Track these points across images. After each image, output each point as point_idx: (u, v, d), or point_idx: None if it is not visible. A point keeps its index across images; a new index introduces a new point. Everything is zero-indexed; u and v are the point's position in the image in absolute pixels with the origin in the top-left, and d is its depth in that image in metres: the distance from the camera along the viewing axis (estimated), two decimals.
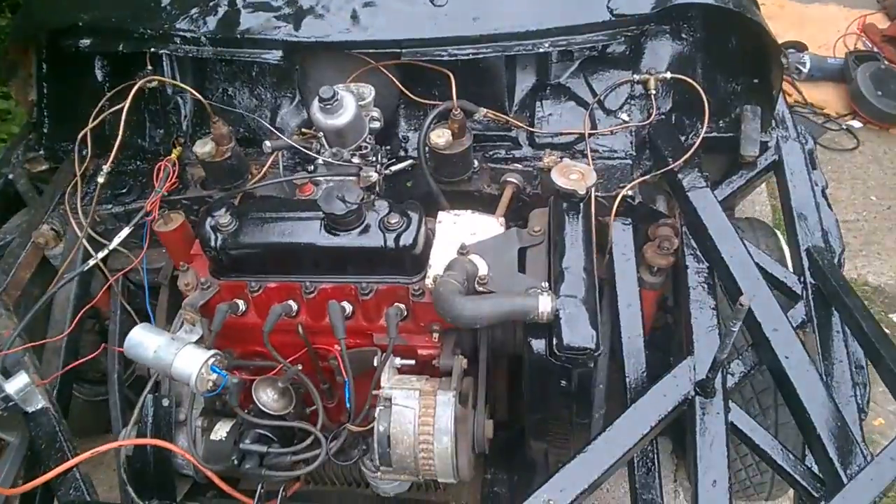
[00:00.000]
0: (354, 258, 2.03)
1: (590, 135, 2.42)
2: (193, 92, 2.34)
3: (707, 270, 2.15)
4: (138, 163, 2.71)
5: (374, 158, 2.34)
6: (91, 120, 2.63)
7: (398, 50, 2.30)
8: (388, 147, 2.48)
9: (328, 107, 2.16)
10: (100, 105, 2.65)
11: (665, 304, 2.50)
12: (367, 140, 2.33)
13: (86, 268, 2.35)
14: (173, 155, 2.56)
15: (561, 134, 2.46)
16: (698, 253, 2.19)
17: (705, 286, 2.12)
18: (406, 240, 1.96)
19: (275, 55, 2.33)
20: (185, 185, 2.59)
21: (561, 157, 2.26)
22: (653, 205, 2.35)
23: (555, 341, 1.78)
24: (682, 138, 2.45)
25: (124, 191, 2.57)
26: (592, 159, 2.45)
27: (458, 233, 2.07)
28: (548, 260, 1.99)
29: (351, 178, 2.17)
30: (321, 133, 2.25)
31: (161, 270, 2.60)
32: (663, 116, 2.46)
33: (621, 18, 2.26)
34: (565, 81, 2.50)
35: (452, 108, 2.27)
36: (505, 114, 2.51)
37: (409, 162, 2.48)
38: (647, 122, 2.42)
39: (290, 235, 2.01)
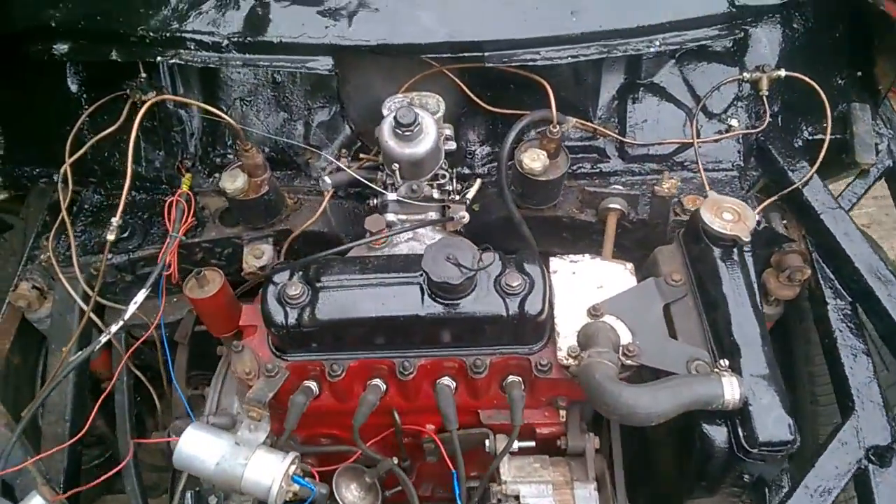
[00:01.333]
0: (465, 330, 1.63)
1: (694, 144, 2.06)
2: (218, 113, 1.83)
3: (850, 308, 1.87)
4: (133, 194, 2.18)
5: (451, 187, 1.92)
6: (70, 141, 2.09)
7: (479, 53, 1.85)
8: (457, 168, 2.05)
9: (406, 133, 1.72)
10: (79, 123, 2.11)
11: None
12: (443, 166, 1.91)
13: (95, 347, 1.85)
14: (184, 186, 2.06)
15: (658, 144, 2.09)
16: (838, 286, 1.90)
17: (852, 327, 1.84)
18: (533, 307, 1.58)
19: (324, 63, 1.85)
20: (200, 223, 2.10)
21: (676, 179, 1.90)
22: (769, 224, 2.04)
23: (742, 432, 1.46)
24: None
25: (125, 235, 2.05)
26: (694, 171, 2.10)
27: (581, 285, 1.70)
28: (699, 319, 1.65)
29: (444, 223, 1.75)
30: (395, 165, 1.80)
31: (179, 326, 2.14)
32: (770, 120, 2.12)
33: (745, 9, 1.88)
34: (660, 80, 2.12)
35: (551, 124, 1.86)
36: (588, 120, 2.12)
37: (480, 183, 2.07)
38: (760, 128, 2.07)
39: (384, 307, 1.59)
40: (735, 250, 1.67)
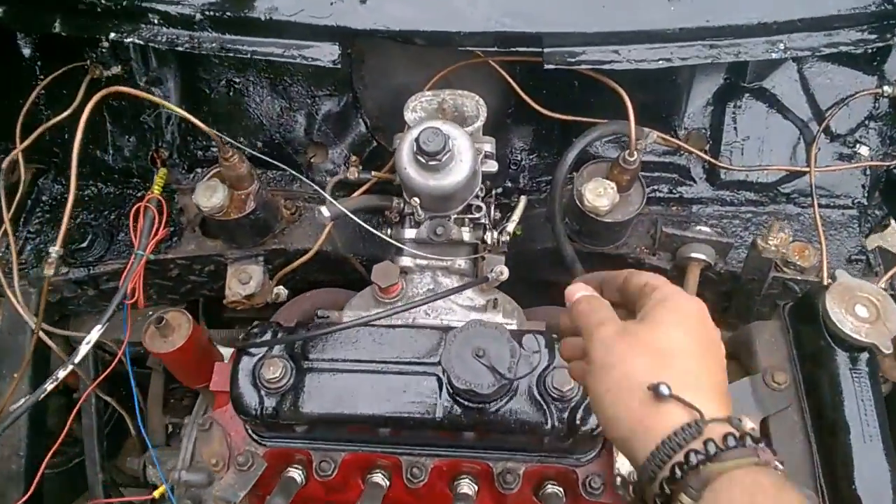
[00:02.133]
0: (493, 436, 1.24)
1: (811, 172, 1.58)
2: (187, 116, 1.40)
3: None
4: (100, 186, 1.79)
5: (487, 221, 1.48)
6: (21, 121, 1.68)
7: (537, 49, 1.38)
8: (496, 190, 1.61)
9: (432, 163, 1.27)
10: (31, 99, 1.69)
11: None
12: (479, 194, 1.46)
13: (48, 389, 1.49)
14: (155, 187, 1.64)
15: (760, 168, 1.62)
16: None
17: None
18: (587, 419, 1.17)
19: (327, 53, 1.38)
20: (177, 231, 1.70)
21: (788, 231, 1.43)
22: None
23: None
24: None
25: (83, 244, 1.66)
26: (802, 207, 1.63)
27: None
28: (807, 444, 1.23)
29: (477, 284, 1.31)
30: (415, 200, 1.37)
31: None
32: None
33: None
34: (772, 86, 1.62)
35: (626, 151, 1.40)
36: (671, 131, 1.65)
37: (526, 201, 1.63)
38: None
39: (390, 404, 1.19)
40: (866, 358, 1.22)
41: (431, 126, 1.26)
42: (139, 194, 1.75)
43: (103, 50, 1.64)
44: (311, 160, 1.73)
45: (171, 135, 1.74)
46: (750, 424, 0.65)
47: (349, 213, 1.38)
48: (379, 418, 1.19)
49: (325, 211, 1.36)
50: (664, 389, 0.66)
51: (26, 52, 1.72)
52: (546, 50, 1.37)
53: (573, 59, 1.37)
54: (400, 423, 1.20)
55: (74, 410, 1.72)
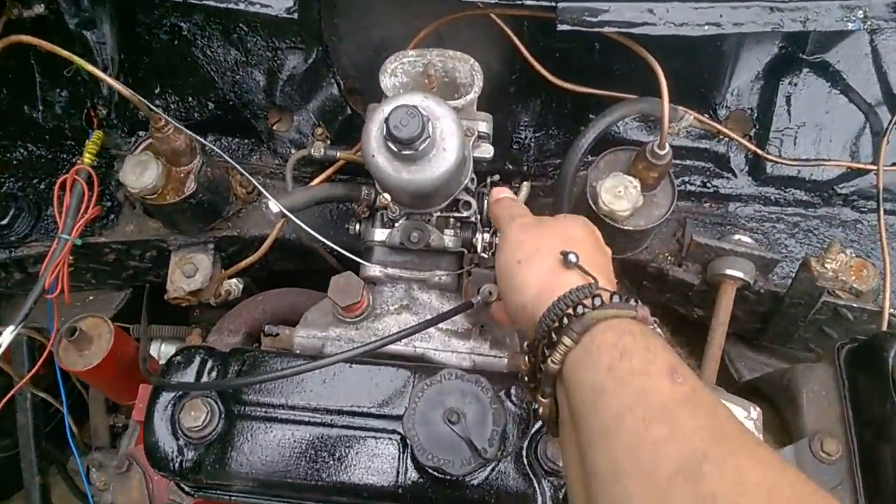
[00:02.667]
0: None
1: (879, 170, 1.29)
2: (102, 76, 1.11)
3: None
4: (29, 148, 1.51)
5: (476, 219, 1.20)
6: None
7: (551, 3, 1.07)
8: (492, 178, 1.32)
9: (407, 153, 0.99)
10: None
11: None
12: (469, 185, 1.18)
13: None
14: (87, 155, 1.36)
15: (816, 163, 1.32)
16: None
17: None
18: None
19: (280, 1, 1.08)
20: (114, 207, 1.43)
21: (849, 253, 1.15)
22: None
23: None
24: None
25: (4, 221, 1.40)
26: (863, 212, 1.35)
27: None
28: None
29: (462, 311, 1.04)
30: (385, 196, 1.09)
31: None
32: None
33: None
34: (837, 60, 1.31)
35: (657, 142, 1.11)
36: (710, 111, 1.35)
37: (529, 188, 1.35)
38: None
39: (341, 468, 0.94)
40: None
41: (405, 104, 0.97)
42: (74, 159, 1.48)
43: None
44: (273, 127, 1.44)
45: (110, 90, 1.45)
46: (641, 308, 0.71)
47: (289, 216, 1.09)
48: (325, 486, 0.95)
49: (272, 206, 1.08)
50: (573, 257, 0.76)
51: None
52: (560, 4, 1.07)
53: (594, 20, 1.07)
54: (351, 493, 0.95)
55: (0, 405, 1.49)
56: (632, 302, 0.70)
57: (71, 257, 1.41)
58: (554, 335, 0.70)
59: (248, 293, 1.47)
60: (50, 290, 1.31)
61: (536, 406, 0.75)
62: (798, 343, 1.36)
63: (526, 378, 0.78)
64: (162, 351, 1.56)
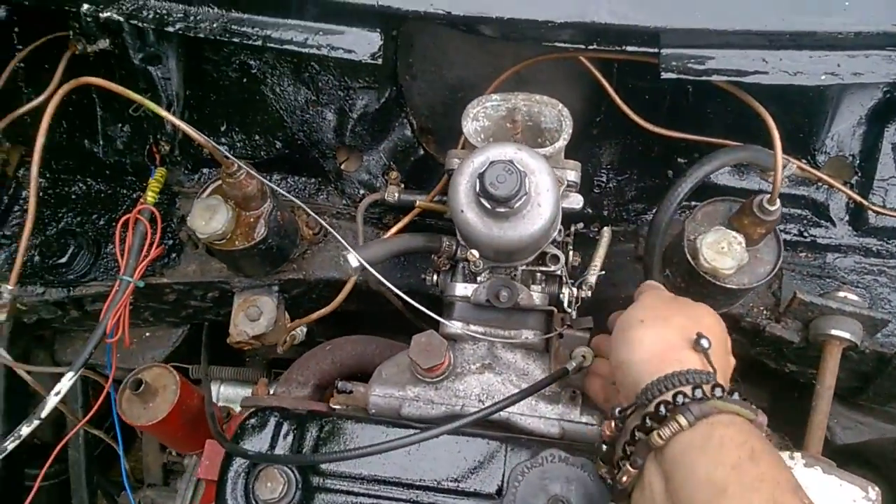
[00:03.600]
0: None
1: None
2: (165, 114, 1.06)
3: None
4: (88, 183, 1.47)
5: (564, 273, 1.13)
6: None
7: (652, 50, 1.00)
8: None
9: (501, 210, 0.92)
10: (5, 74, 1.38)
11: None
12: (557, 238, 1.11)
13: (10, 448, 1.21)
14: (149, 193, 1.32)
15: None
16: None
17: None
18: None
19: (364, 43, 1.02)
20: (176, 246, 1.39)
21: None
22: None
23: None
24: None
25: (63, 259, 1.36)
26: None
27: None
28: None
29: (554, 380, 0.96)
30: (474, 252, 1.02)
31: None
32: None
33: None
34: None
35: (767, 197, 1.03)
36: (809, 156, 1.27)
37: (610, 234, 1.27)
38: None
39: None
40: None
41: (502, 161, 0.90)
42: (134, 195, 1.45)
43: (88, 19, 1.30)
44: (342, 168, 1.38)
45: (174, 126, 1.41)
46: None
47: (370, 270, 1.03)
48: None
49: (351, 260, 1.02)
50: (705, 343, 0.71)
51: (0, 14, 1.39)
52: (664, 51, 0.99)
53: (701, 67, 1.00)
54: None
55: (58, 448, 1.45)
56: (753, 406, 0.68)
57: (131, 297, 1.37)
58: (663, 409, 0.67)
59: (309, 335, 1.42)
60: (110, 333, 1.27)
61: (611, 472, 0.73)
62: None
63: (606, 444, 0.75)
64: (221, 393, 1.51)
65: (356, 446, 0.92)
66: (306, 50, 1.03)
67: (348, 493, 0.91)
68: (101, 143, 1.45)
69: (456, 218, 0.98)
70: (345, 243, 1.01)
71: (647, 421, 0.68)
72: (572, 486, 0.80)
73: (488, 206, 0.92)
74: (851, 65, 0.98)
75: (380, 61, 1.02)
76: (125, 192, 1.46)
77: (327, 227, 1.05)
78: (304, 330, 1.39)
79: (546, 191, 0.96)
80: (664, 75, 0.99)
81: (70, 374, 1.21)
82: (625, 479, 0.71)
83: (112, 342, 1.26)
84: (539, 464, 0.82)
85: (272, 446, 0.95)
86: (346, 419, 0.96)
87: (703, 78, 0.99)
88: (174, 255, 1.39)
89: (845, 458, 1.27)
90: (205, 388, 1.24)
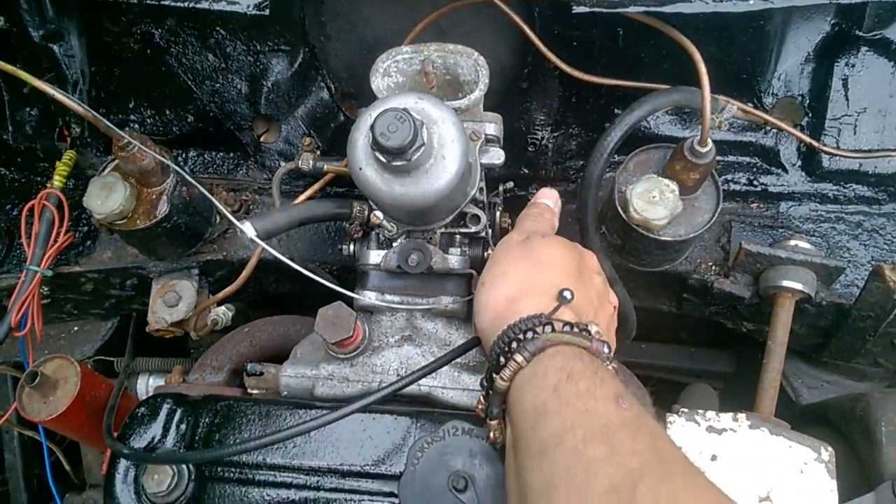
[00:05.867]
0: None
1: None
2: (53, 91, 0.97)
3: None
4: (1, 171, 1.39)
5: (488, 233, 1.04)
6: None
7: None
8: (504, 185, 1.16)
9: (398, 164, 0.84)
10: None
11: None
12: (478, 195, 1.02)
13: None
14: (56, 178, 1.23)
15: (881, 154, 1.14)
16: None
17: None
18: None
19: None
20: (91, 233, 1.31)
21: None
22: None
23: None
24: None
25: None
26: None
27: (731, 488, 0.85)
28: None
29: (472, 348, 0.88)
30: (377, 214, 0.94)
31: None
32: None
33: None
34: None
35: (698, 139, 0.94)
36: (755, 99, 1.18)
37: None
38: None
39: None
40: None
41: (394, 108, 0.81)
42: (48, 182, 1.36)
43: None
44: (261, 139, 1.29)
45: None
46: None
47: (260, 244, 0.94)
48: None
49: (247, 229, 0.93)
50: (567, 294, 0.72)
51: None
52: None
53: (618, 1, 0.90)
54: None
55: None
56: (592, 331, 0.71)
57: (46, 289, 1.29)
58: (503, 359, 0.69)
59: (244, 320, 1.33)
60: (21, 326, 1.19)
61: (489, 433, 0.73)
62: (865, 358, 1.18)
63: (481, 407, 0.75)
64: (150, 385, 1.42)
65: (253, 433, 0.84)
66: (186, 3, 0.94)
67: (245, 482, 0.82)
68: (9, 128, 1.36)
69: (356, 177, 0.90)
70: (231, 218, 0.91)
71: (492, 373, 0.70)
72: (476, 461, 0.72)
73: (383, 159, 0.83)
74: None
75: (267, 11, 0.93)
76: (38, 179, 1.39)
77: (213, 199, 0.95)
78: (230, 315, 1.31)
79: (451, 142, 0.87)
80: (576, 9, 0.90)
81: None
82: (492, 435, 0.71)
83: (23, 334, 1.18)
84: (440, 437, 0.74)
85: (164, 436, 0.86)
86: (243, 402, 0.88)
87: (619, 10, 0.90)
88: (89, 242, 1.31)
89: (809, 420, 1.19)
90: (117, 384, 1.15)
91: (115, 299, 1.37)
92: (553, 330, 0.69)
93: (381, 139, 0.80)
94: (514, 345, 0.69)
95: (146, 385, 1.40)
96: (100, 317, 1.44)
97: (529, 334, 0.69)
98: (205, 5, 0.93)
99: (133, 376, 1.41)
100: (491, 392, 0.71)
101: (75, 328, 1.47)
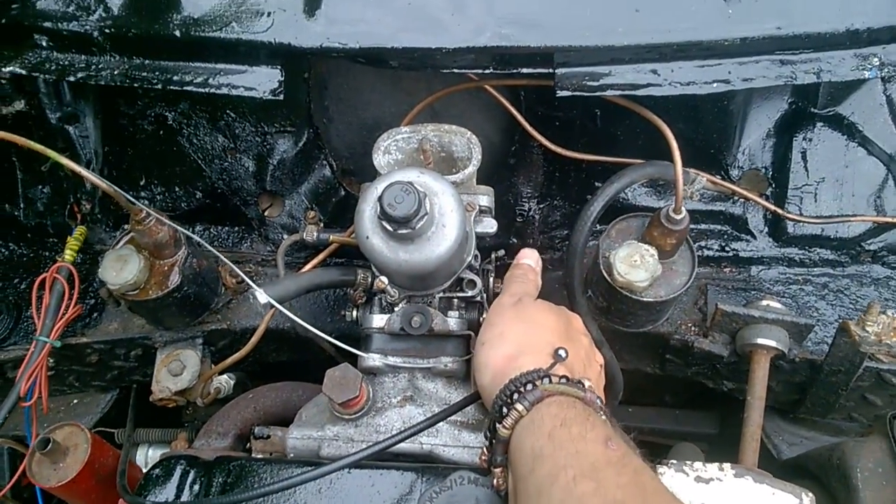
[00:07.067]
0: None
1: None
2: (78, 169, 1.05)
3: None
4: (10, 247, 1.45)
5: (483, 297, 1.11)
6: None
7: (547, 70, 1.01)
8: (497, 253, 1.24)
9: (403, 232, 0.91)
10: None
11: None
12: (473, 263, 1.10)
13: None
14: (67, 252, 1.29)
15: (839, 221, 1.24)
16: None
17: None
18: None
19: (264, 80, 1.03)
20: (97, 305, 1.35)
21: (891, 314, 1.06)
22: None
23: None
24: None
25: None
26: (894, 269, 1.26)
27: None
28: None
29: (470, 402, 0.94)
30: (382, 279, 1.01)
31: None
32: None
33: None
34: (851, 112, 1.25)
35: (672, 207, 1.04)
36: (722, 171, 1.28)
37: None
38: None
39: None
40: None
41: (399, 181, 0.90)
42: (57, 257, 1.41)
43: (2, 81, 1.30)
44: (265, 213, 1.37)
45: (93, 184, 1.39)
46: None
47: (277, 306, 1.01)
48: None
49: (259, 296, 0.99)
50: (562, 353, 0.81)
51: None
52: (559, 71, 1.01)
53: (595, 84, 1.01)
54: None
55: None
56: (586, 385, 0.77)
57: (51, 360, 1.33)
58: (505, 409, 0.76)
59: (243, 389, 1.37)
60: (27, 396, 1.22)
61: (493, 480, 0.78)
62: (840, 413, 1.25)
63: (485, 458, 0.80)
64: (150, 456, 1.44)
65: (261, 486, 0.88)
66: (207, 90, 1.03)
67: None
68: (21, 205, 1.42)
69: (363, 245, 0.97)
70: (249, 281, 0.98)
71: (495, 422, 0.77)
72: None
73: (390, 228, 0.91)
74: (741, 71, 1.00)
75: (281, 97, 1.03)
76: (47, 254, 1.44)
77: (232, 266, 1.02)
78: (232, 383, 1.35)
79: (450, 212, 0.96)
80: (560, 93, 1.00)
81: None
82: (496, 482, 0.77)
83: (29, 405, 1.21)
84: (448, 487, 0.78)
85: (178, 496, 0.90)
86: (254, 461, 0.92)
87: (598, 94, 1.00)
88: (95, 314, 1.36)
89: (790, 473, 1.24)
90: (124, 449, 1.18)
91: (118, 370, 1.41)
92: (550, 382, 0.76)
93: (389, 209, 0.88)
94: (516, 396, 0.76)
95: (146, 456, 1.42)
96: (100, 389, 1.47)
97: (529, 386, 0.76)
98: (224, 91, 1.02)
99: (132, 448, 1.43)
100: (494, 441, 0.77)
101: (75, 401, 1.49)
